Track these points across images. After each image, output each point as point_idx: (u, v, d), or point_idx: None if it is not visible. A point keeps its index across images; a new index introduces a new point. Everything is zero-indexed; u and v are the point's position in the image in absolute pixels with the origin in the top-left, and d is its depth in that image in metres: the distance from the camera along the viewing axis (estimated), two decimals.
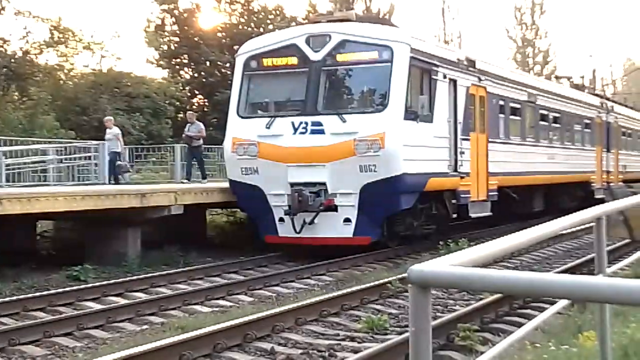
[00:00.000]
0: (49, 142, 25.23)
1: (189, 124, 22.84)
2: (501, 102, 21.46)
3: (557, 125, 26.42)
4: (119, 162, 21.17)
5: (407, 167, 15.75)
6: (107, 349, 8.90)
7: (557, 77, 40.25)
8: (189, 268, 15.53)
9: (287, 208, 16.08)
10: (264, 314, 10.05)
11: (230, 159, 17.34)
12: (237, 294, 13.12)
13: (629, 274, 9.98)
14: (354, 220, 15.91)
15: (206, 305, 12.17)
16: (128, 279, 14.24)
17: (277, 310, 10.43)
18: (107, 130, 22.00)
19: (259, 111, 17.62)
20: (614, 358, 5.59)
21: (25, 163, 22.07)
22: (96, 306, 11.91)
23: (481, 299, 11.00)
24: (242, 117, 17.27)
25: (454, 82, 18.25)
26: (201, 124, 23.16)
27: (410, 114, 16.12)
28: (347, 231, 15.99)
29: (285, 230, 16.40)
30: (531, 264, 16.41)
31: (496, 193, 20.10)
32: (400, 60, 16.00)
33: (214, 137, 26.58)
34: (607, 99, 36.76)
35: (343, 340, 9.48)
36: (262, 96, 17.89)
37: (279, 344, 9.20)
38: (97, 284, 13.74)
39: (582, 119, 29.09)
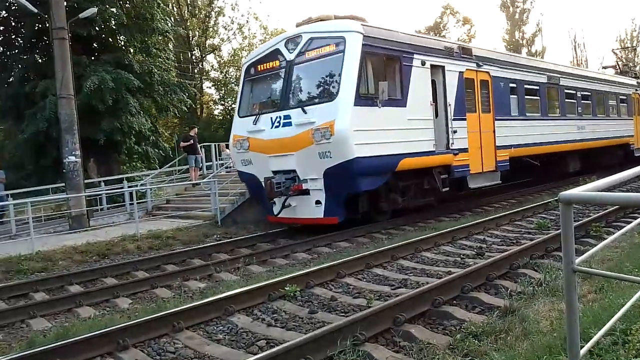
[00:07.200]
0: None
1: None
2: (512, 85, 19.87)
3: (587, 102, 25.62)
4: None
5: (361, 151, 13.90)
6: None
7: (604, 68, 39.58)
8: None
9: None
10: (481, 219, 13.90)
11: (233, 153, 16.55)
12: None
13: None
14: (323, 202, 14.56)
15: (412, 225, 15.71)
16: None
17: (483, 219, 13.86)
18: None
19: (252, 110, 16.34)
20: None
21: None
22: None
23: (605, 209, 13.58)
24: (240, 117, 16.38)
25: (441, 67, 16.64)
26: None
27: (366, 100, 14.18)
28: (319, 212, 14.66)
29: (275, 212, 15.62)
30: (635, 189, 19.45)
31: (507, 163, 18.84)
32: (352, 49, 14.18)
33: None
34: None
35: (523, 234, 12.44)
36: (256, 97, 16.61)
37: (488, 236, 12.24)
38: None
39: (619, 95, 29.14)
